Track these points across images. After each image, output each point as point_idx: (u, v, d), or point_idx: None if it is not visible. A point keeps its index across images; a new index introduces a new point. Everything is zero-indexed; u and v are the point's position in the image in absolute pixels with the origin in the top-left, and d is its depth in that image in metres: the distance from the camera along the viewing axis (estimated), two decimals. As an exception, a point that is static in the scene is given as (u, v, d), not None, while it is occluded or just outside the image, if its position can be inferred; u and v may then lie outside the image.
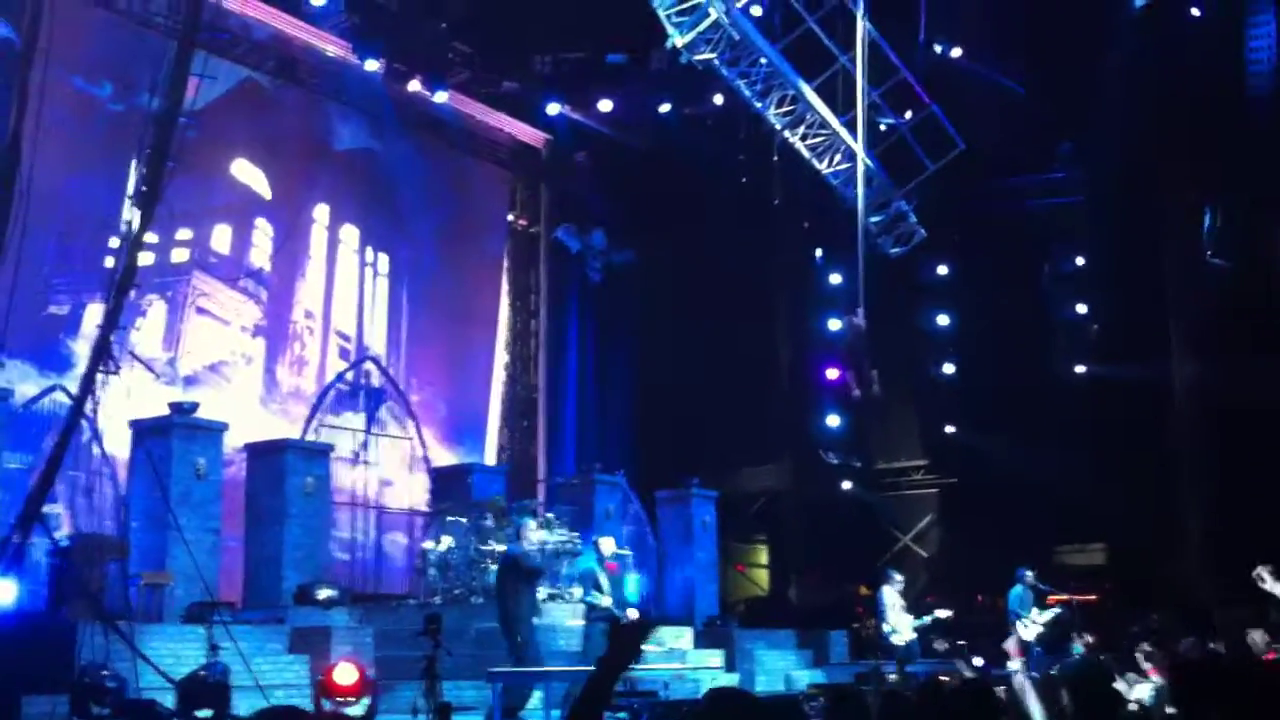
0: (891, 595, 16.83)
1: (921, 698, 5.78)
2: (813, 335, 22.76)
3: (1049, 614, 16.98)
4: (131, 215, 13.54)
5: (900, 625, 16.67)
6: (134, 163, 13.87)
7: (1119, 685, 8.88)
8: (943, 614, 16.87)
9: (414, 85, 19.37)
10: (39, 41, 15.00)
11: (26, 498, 11.91)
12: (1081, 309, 22.10)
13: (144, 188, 13.39)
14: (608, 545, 14.89)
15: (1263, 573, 12.93)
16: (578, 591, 14.76)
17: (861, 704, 5.50)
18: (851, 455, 22.75)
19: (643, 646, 4.49)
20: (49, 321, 16.48)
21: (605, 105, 21.23)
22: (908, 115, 18.57)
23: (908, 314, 22.19)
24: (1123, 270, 20.64)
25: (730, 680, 15.34)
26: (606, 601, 13.66)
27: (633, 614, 14.15)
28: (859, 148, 17.62)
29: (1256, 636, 12.67)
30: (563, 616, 15.22)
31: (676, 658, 15.79)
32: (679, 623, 17.89)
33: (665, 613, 19.29)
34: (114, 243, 14.28)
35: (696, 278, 21.66)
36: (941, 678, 13.83)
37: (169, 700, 10.81)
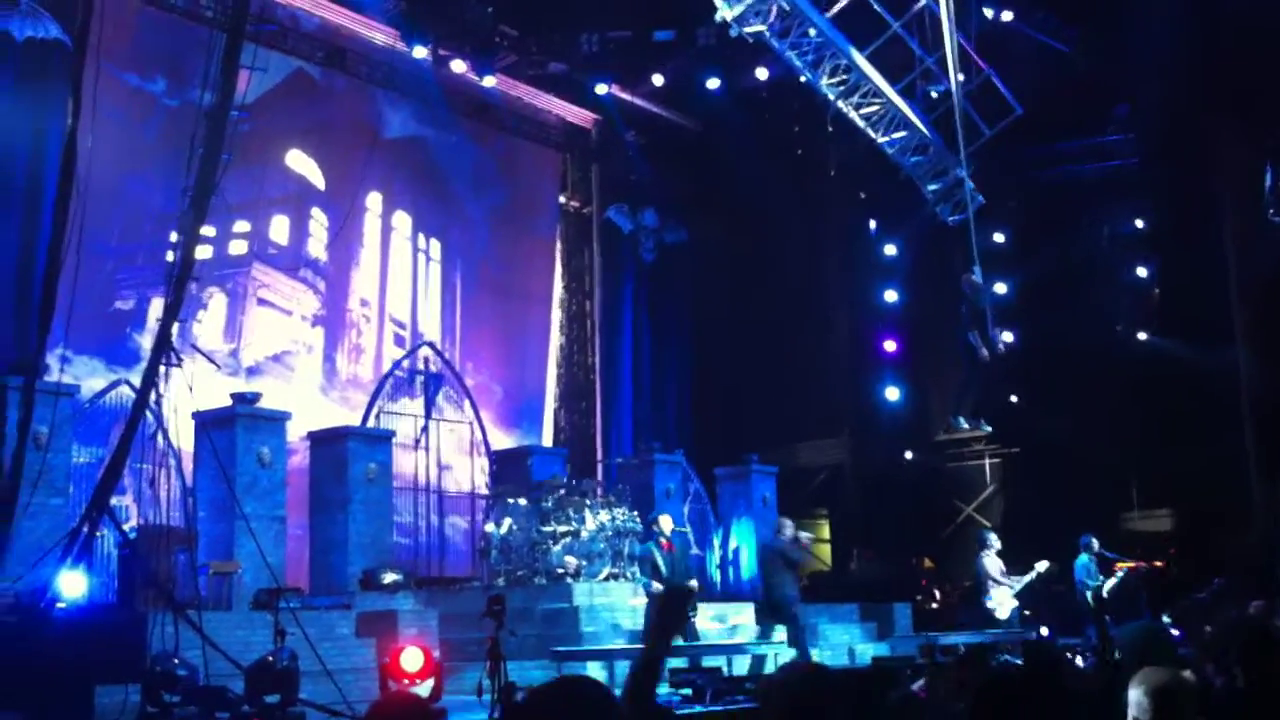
0: (991, 563, 16.75)
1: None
2: (870, 307, 22.63)
3: (1114, 580, 16.87)
4: (187, 209, 13.71)
5: (1000, 598, 16.58)
6: (189, 157, 14.00)
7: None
8: (1042, 566, 16.74)
9: (461, 69, 19.42)
10: (91, 40, 15.24)
11: (94, 490, 12.12)
12: (1142, 272, 21.79)
13: (198, 182, 13.56)
14: (667, 523, 15.00)
15: None
16: (638, 571, 14.88)
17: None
18: (981, 420, 22.57)
19: (683, 614, 4.51)
20: (115, 316, 16.74)
21: (657, 79, 21.14)
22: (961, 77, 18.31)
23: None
24: (1181, 232, 20.34)
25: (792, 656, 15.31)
26: (658, 587, 13.82)
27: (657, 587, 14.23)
28: (955, 82, 17.05)
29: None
30: (624, 596, 15.30)
31: (739, 634, 15.83)
32: (741, 599, 17.92)
33: (728, 590, 19.35)
34: (174, 237, 14.44)
35: (750, 253, 21.59)
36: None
37: (239, 687, 10.97)
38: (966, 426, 21.71)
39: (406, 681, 11.57)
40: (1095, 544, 17.02)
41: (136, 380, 13.71)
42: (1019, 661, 11.45)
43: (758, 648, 14.72)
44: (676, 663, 12.94)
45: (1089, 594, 16.78)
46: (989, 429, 21.83)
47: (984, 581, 16.82)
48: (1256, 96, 18.58)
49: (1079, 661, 11.04)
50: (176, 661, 10.57)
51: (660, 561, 14.21)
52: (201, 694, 10.46)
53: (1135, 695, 4.38)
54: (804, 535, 15.85)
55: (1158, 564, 17.93)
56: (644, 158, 22.67)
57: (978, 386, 19.38)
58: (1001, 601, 16.59)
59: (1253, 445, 19.32)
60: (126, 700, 10.10)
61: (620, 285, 23.02)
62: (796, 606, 15.25)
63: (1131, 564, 17.38)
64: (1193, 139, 19.74)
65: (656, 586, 13.95)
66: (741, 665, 14.01)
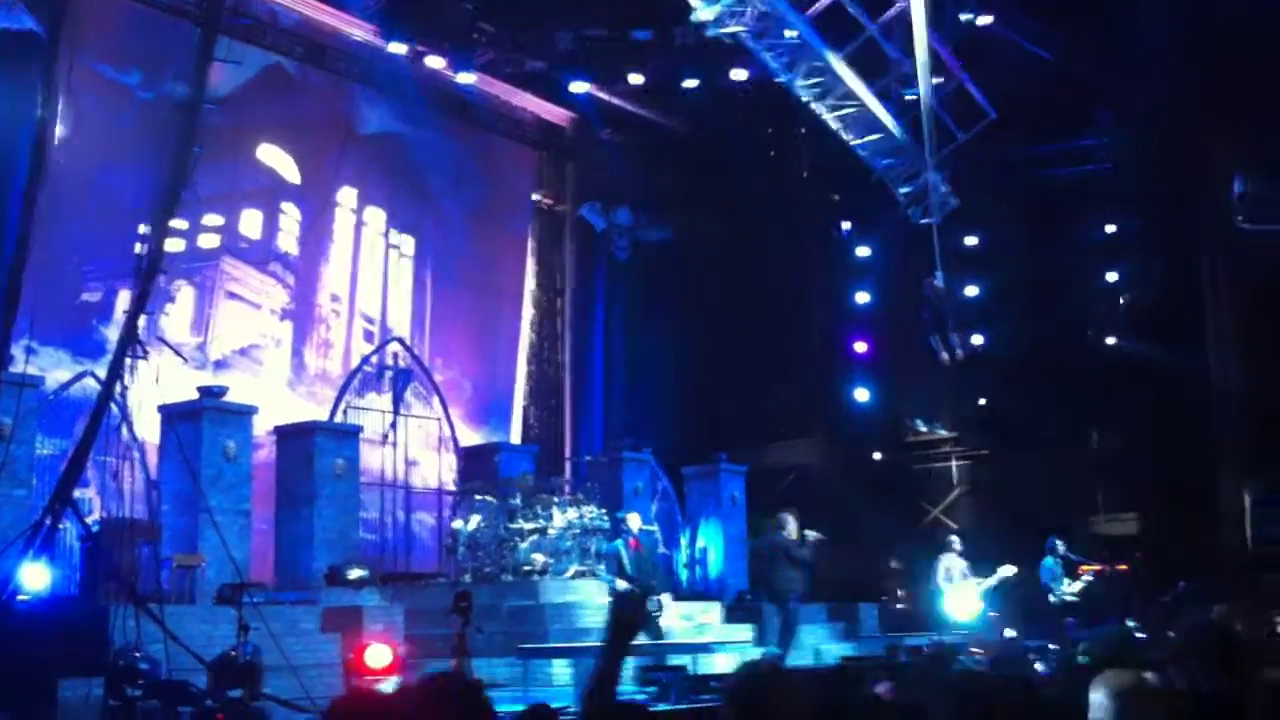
0: (949, 565, 16.85)
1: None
2: (842, 308, 22.69)
3: (1080, 584, 16.98)
4: (158, 202, 13.69)
5: (957, 601, 16.67)
6: (160, 150, 13.98)
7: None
8: (1007, 571, 16.84)
9: (439, 66, 19.39)
10: (65, 32, 15.19)
11: (57, 482, 12.08)
12: (1112, 277, 21.90)
13: (170, 174, 13.54)
14: (635, 521, 15.05)
15: None
16: (605, 570, 14.91)
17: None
18: (936, 425, 22.71)
19: (640, 618, 4.56)
20: (82, 308, 16.65)
21: (636, 79, 21.13)
22: (936, 82, 18.39)
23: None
24: (1153, 237, 20.46)
25: (758, 655, 15.36)
26: (623, 584, 13.89)
27: (621, 585, 14.25)
28: (925, 84, 17.14)
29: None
30: (591, 593, 15.33)
31: (705, 632, 15.88)
32: (708, 598, 17.99)
33: (695, 589, 19.39)
34: (144, 229, 14.42)
35: (724, 253, 21.61)
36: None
37: (201, 681, 10.95)
38: (925, 429, 21.90)
39: (370, 678, 11.59)
40: (1061, 547, 17.11)
41: (102, 372, 13.68)
42: (983, 663, 11.53)
43: (723, 646, 14.77)
44: (642, 661, 12.98)
45: (1052, 597, 16.89)
46: (943, 432, 22.00)
47: (938, 584, 16.95)
48: (1236, 104, 18.69)
49: (1039, 666, 11.10)
50: (139, 655, 10.53)
51: (626, 560, 14.24)
52: (164, 688, 10.42)
53: (1097, 697, 4.36)
54: (810, 534, 15.97)
55: (1122, 567, 18.04)
56: (620, 156, 22.66)
57: (937, 390, 19.53)
58: (959, 605, 16.69)
59: (1229, 448, 19.48)
60: (89, 694, 10.06)
61: (593, 283, 23.03)
62: (794, 602, 15.71)
63: (1097, 567, 17.50)
64: (1172, 145, 19.85)
65: (621, 584, 14.00)
66: (708, 664, 14.04)
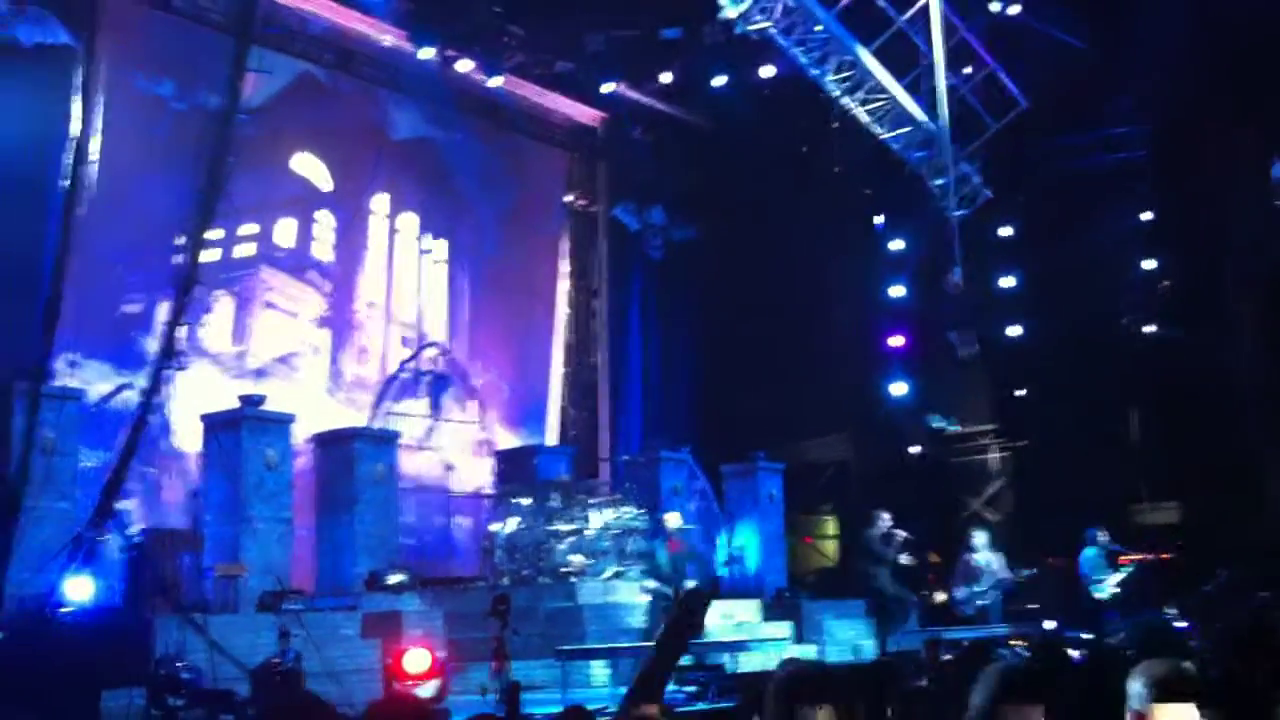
0: (979, 558, 16.93)
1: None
2: (876, 302, 22.61)
3: (1122, 574, 16.88)
4: (194, 213, 13.84)
5: (973, 593, 16.76)
6: (195, 160, 14.12)
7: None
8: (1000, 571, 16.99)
9: (468, 69, 19.47)
10: (98, 44, 15.38)
11: (99, 494, 12.24)
12: (1149, 264, 21.72)
13: (205, 185, 13.69)
14: (673, 520, 15.10)
15: None
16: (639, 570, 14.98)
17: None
18: (952, 419, 22.64)
19: (703, 617, 4.53)
20: (123, 320, 16.80)
21: (665, 77, 21.16)
22: (967, 71, 18.36)
23: (973, 276, 21.93)
24: (1188, 224, 20.28)
25: (797, 651, 15.38)
26: (652, 584, 13.96)
27: (650, 584, 14.36)
28: (941, 84, 17.18)
29: None
30: (629, 594, 15.37)
31: (745, 630, 15.91)
32: (747, 596, 17.99)
33: (734, 586, 19.40)
34: (181, 240, 14.56)
35: (758, 250, 21.57)
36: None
37: (245, 690, 11.08)
38: (942, 425, 21.86)
39: (410, 683, 11.67)
40: (1102, 537, 17.01)
41: (142, 384, 13.82)
42: (1023, 655, 11.50)
43: (761, 644, 14.79)
44: (681, 659, 13.01)
45: (1094, 587, 16.80)
46: (957, 427, 21.98)
47: (958, 577, 17.03)
48: (1265, 89, 18.51)
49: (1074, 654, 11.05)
50: (181, 665, 10.69)
51: (661, 559, 14.29)
52: (206, 697, 10.59)
53: (1135, 687, 4.36)
54: (899, 533, 16.11)
55: (1165, 556, 17.90)
56: (651, 156, 22.69)
57: (973, 382, 19.47)
58: (969, 599, 16.87)
59: (1263, 437, 19.31)
60: (131, 704, 10.21)
61: (627, 283, 23.06)
62: (885, 597, 16.41)
63: (1139, 556, 17.38)
64: (1201, 130, 19.67)
65: (652, 584, 14.06)
66: (746, 661, 14.07)
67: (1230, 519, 18.81)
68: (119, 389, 15.78)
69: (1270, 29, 18.08)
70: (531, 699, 11.42)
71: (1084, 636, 14.23)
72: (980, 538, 17.62)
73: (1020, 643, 14.08)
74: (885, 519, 16.08)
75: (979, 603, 17.10)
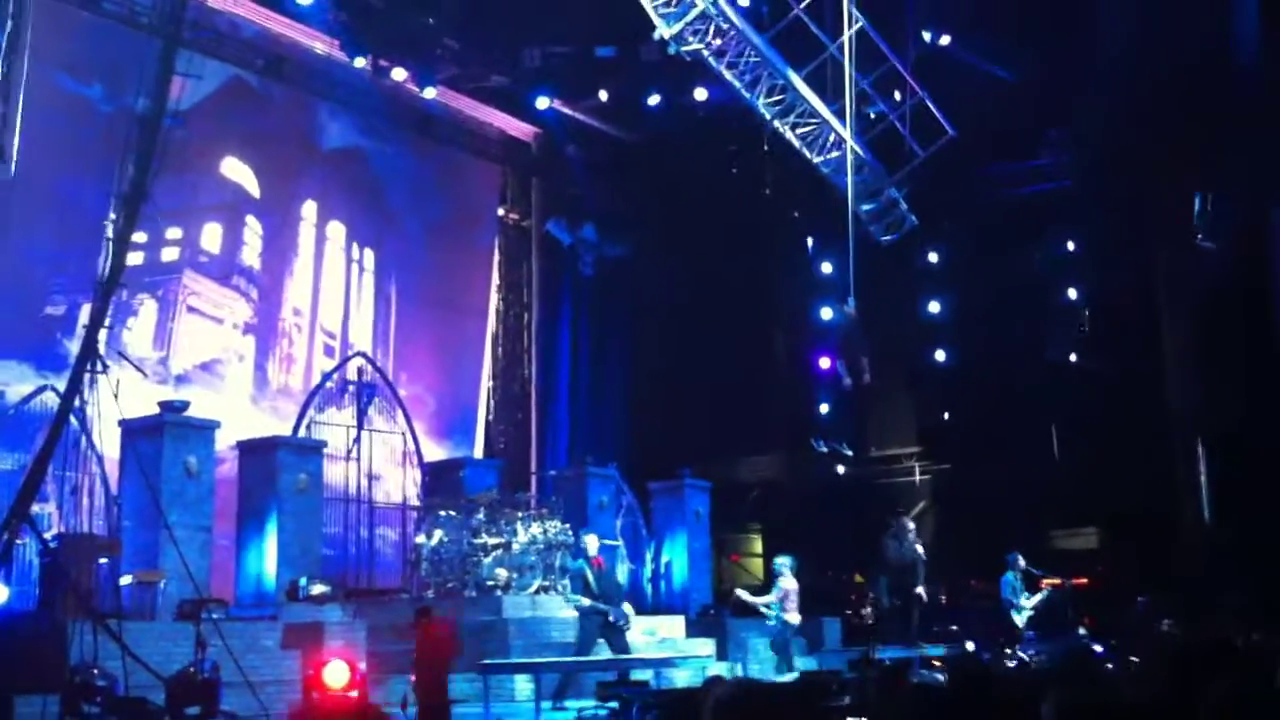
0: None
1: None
2: (806, 324, 22.78)
3: (1039, 597, 17.16)
4: (118, 215, 13.61)
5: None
6: (121, 163, 13.89)
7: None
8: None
9: (402, 78, 19.35)
10: (23, 42, 15.08)
11: (15, 497, 11.97)
12: (1073, 294, 22.09)
13: (129, 188, 13.46)
14: (592, 543, 15.06)
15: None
16: (568, 585, 14.93)
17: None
18: (843, 443, 22.89)
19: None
20: (46, 322, 16.55)
21: (601, 95, 21.20)
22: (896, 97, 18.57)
23: (900, 302, 22.19)
24: (1114, 255, 20.65)
25: (721, 668, 15.38)
26: (587, 602, 13.95)
27: (628, 608, 14.38)
28: (848, 134, 17.58)
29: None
30: (555, 608, 15.31)
31: (668, 646, 15.88)
32: (672, 612, 18.00)
33: (659, 603, 19.40)
34: (109, 233, 14.33)
35: (689, 269, 21.68)
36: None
37: (160, 698, 10.88)
38: (825, 449, 22.16)
39: (329, 695, 11.51)
40: (1021, 561, 17.28)
41: (63, 386, 13.56)
42: (940, 676, 11.59)
43: (685, 661, 14.77)
44: (604, 676, 12.98)
45: (1013, 611, 17.05)
46: (849, 452, 22.28)
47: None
48: (1192, 123, 18.89)
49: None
50: (96, 672, 10.48)
51: (590, 578, 14.25)
52: (121, 705, 10.38)
53: (1047, 710, 4.40)
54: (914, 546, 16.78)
55: (1081, 581, 18.19)
56: (585, 172, 22.73)
57: (900, 404, 19.73)
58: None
59: (1182, 465, 19.65)
60: (45, 711, 9.98)
61: (558, 299, 23.06)
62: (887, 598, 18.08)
63: (1057, 581, 17.66)
64: (1128, 162, 20.04)
65: (585, 602, 14.05)
66: (670, 678, 14.04)
67: (1148, 546, 19.15)
68: (38, 390, 15.48)
69: (1198, 64, 18.49)
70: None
71: (1005, 655, 14.40)
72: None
73: (937, 663, 14.22)
74: (907, 527, 17.63)
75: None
